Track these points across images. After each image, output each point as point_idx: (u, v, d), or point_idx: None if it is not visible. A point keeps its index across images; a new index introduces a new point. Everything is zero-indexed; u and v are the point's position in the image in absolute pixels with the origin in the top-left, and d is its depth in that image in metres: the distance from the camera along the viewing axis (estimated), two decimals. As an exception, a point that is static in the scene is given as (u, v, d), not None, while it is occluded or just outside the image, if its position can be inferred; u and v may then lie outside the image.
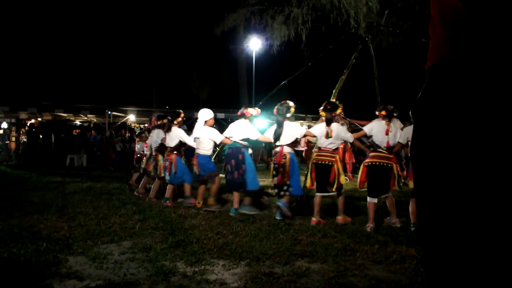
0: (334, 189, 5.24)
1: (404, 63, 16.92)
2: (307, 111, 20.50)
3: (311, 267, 3.48)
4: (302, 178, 5.92)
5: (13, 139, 16.29)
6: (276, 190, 5.59)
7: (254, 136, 5.86)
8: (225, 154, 6.02)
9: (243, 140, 5.88)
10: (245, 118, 6.00)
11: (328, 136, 5.20)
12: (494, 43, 1.01)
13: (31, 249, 3.73)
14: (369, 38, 7.60)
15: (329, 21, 8.30)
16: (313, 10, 8.29)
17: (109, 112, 17.49)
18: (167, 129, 6.66)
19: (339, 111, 5.39)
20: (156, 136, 7.01)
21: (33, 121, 18.08)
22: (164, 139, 6.81)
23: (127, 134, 16.36)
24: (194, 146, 6.33)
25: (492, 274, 0.98)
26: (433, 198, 1.09)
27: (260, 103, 7.57)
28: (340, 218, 5.26)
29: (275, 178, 5.41)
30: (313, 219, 5.16)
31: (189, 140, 6.43)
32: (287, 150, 5.42)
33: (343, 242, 4.29)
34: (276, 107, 5.62)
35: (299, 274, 3.30)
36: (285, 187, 5.36)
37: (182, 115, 6.86)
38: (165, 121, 6.87)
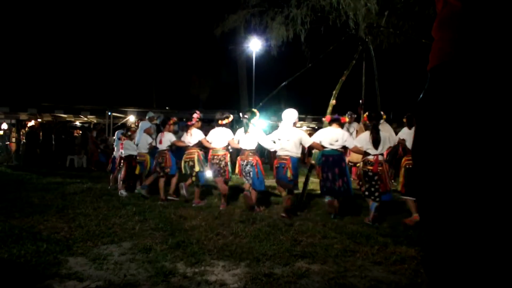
0: None
1: (404, 64, 16.92)
2: (307, 112, 20.54)
3: (311, 268, 3.49)
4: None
5: (13, 140, 16.29)
6: (366, 193, 5.46)
7: (352, 143, 5.65)
8: (320, 161, 5.76)
9: (341, 147, 5.68)
10: (338, 125, 5.76)
11: None
12: (494, 44, 1.01)
13: (31, 250, 3.73)
14: (369, 39, 7.61)
15: (328, 22, 8.31)
16: (312, 11, 8.28)
17: (109, 113, 17.50)
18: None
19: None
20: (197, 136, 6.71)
21: (32, 122, 18.08)
22: (204, 140, 6.57)
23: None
24: (274, 149, 5.89)
25: (492, 274, 0.99)
26: (434, 198, 1.09)
27: (261, 104, 7.58)
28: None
29: (366, 186, 5.38)
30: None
31: (267, 143, 5.96)
32: (381, 158, 5.39)
33: (343, 243, 4.29)
34: (366, 113, 5.53)
35: (299, 275, 3.30)
36: (377, 193, 5.33)
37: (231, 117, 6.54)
38: (225, 121, 6.48)
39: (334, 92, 6.77)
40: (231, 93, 26.18)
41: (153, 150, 7.46)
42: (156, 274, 3.24)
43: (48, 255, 3.62)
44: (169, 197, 7.02)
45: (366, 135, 5.51)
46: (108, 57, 27.51)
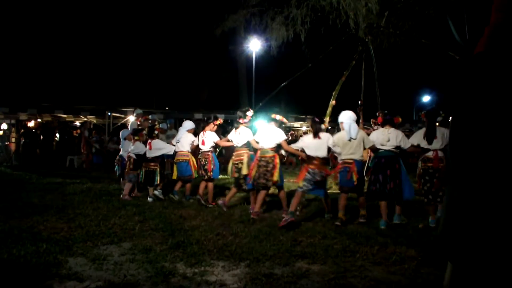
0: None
1: (404, 64, 16.92)
2: (307, 112, 20.55)
3: (311, 268, 3.49)
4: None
5: (13, 140, 16.30)
6: (429, 197, 5.24)
7: (407, 144, 5.39)
8: (372, 163, 5.54)
9: (395, 148, 5.39)
10: (391, 126, 5.46)
11: None
12: None
13: (31, 250, 3.73)
14: (369, 39, 7.62)
15: (328, 22, 8.31)
16: (312, 11, 8.29)
17: (109, 113, 17.48)
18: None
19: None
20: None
21: (32, 123, 18.06)
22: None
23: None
24: (337, 151, 5.50)
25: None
26: (471, 187, 1.04)
27: (261, 104, 7.58)
28: None
29: (427, 186, 5.20)
30: None
31: (336, 147, 5.49)
32: (441, 154, 5.12)
33: (343, 243, 4.29)
34: (424, 112, 5.40)
35: (299, 275, 3.30)
36: (441, 193, 5.07)
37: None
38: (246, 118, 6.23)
39: (334, 92, 6.77)
40: (231, 93, 26.16)
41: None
42: (156, 274, 3.23)
43: (48, 255, 3.62)
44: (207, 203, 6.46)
45: (421, 131, 5.35)
46: (108, 58, 27.51)
